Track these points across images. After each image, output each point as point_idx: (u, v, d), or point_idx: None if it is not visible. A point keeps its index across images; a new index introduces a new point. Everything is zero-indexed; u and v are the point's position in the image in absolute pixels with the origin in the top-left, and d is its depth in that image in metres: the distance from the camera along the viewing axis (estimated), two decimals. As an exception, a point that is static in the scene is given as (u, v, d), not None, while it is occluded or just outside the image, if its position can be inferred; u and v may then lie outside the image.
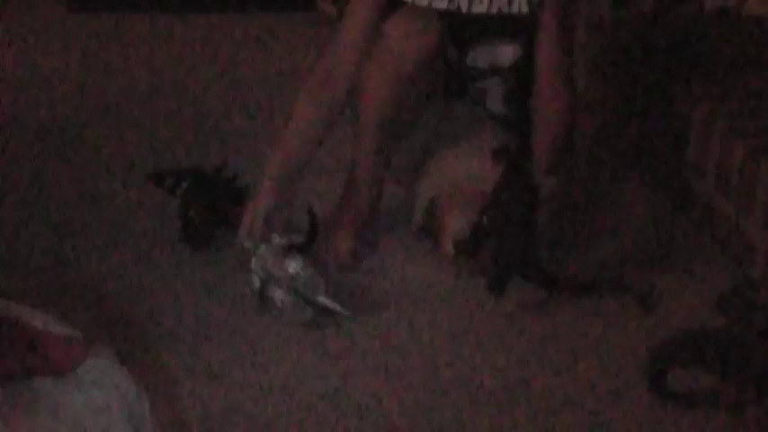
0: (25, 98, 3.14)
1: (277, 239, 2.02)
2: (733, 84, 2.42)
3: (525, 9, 2.15)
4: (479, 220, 2.01)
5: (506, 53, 2.25)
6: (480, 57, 2.26)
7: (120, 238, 2.29)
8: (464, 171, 2.23)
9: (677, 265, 2.15)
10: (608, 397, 1.78)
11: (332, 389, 1.81)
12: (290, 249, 2.01)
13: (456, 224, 2.13)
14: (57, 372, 1.11)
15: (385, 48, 2.14)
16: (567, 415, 1.74)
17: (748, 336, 1.70)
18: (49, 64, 3.40)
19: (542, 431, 1.71)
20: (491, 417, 1.74)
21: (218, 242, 2.26)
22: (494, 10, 2.16)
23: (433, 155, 2.31)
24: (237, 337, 1.96)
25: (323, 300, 1.98)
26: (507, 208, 1.98)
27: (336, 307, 1.98)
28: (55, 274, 2.15)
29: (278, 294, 1.98)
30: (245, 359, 1.90)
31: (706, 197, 2.28)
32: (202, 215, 2.24)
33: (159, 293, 2.11)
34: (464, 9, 2.17)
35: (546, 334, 1.96)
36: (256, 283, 2.00)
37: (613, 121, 2.75)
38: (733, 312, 1.74)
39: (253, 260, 2.01)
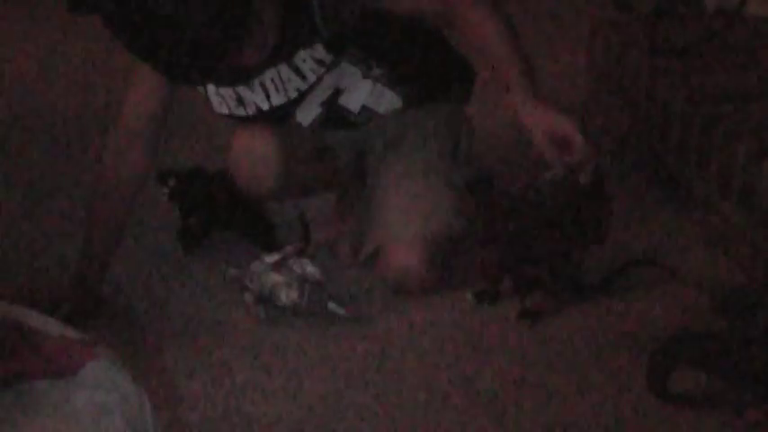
0: (27, 97, 3.14)
1: (267, 258, 2.02)
2: (734, 85, 2.42)
3: (313, 78, 2.07)
4: (485, 261, 2.02)
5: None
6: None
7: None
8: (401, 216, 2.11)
9: (678, 266, 2.15)
10: (608, 398, 1.78)
11: (332, 391, 1.82)
12: (299, 254, 2.03)
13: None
14: (58, 374, 1.11)
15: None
16: (567, 416, 1.74)
17: (749, 337, 1.69)
18: (50, 62, 3.41)
19: (543, 433, 1.72)
20: (492, 418, 1.74)
21: (219, 245, 2.27)
22: (293, 93, 2.09)
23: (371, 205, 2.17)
24: (238, 340, 1.96)
25: (331, 306, 1.99)
26: (508, 238, 1.98)
27: (344, 313, 2.00)
28: (56, 276, 2.15)
29: (285, 294, 1.98)
30: (246, 361, 1.90)
31: (708, 198, 2.28)
32: (201, 223, 2.26)
33: (161, 295, 2.11)
34: (264, 107, 2.11)
35: (546, 334, 1.96)
36: (249, 299, 2.01)
37: (615, 122, 2.75)
38: (734, 313, 1.74)
39: (247, 279, 2.01)
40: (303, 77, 2.06)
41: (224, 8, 1.75)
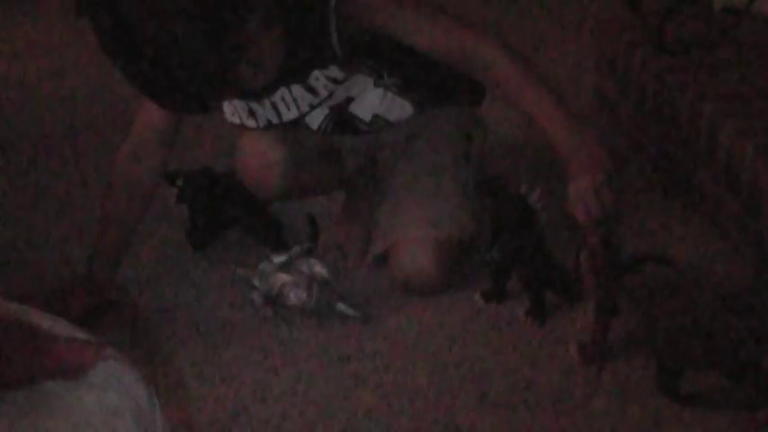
0: (34, 100, 3.15)
1: (275, 258, 2.02)
2: (741, 83, 2.41)
3: (325, 93, 2.07)
4: (490, 259, 2.02)
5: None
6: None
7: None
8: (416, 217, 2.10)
9: (686, 264, 2.14)
10: (617, 397, 1.78)
11: (341, 391, 1.81)
12: (307, 254, 2.03)
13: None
14: (68, 375, 1.11)
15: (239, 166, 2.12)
16: (576, 416, 1.74)
17: (760, 335, 1.69)
18: (56, 65, 3.41)
19: (553, 433, 1.72)
20: (500, 418, 1.74)
21: (227, 245, 2.27)
22: (305, 108, 2.09)
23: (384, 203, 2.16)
24: (247, 340, 1.96)
25: (340, 306, 1.99)
26: (514, 236, 1.97)
27: (352, 313, 1.99)
28: (65, 276, 2.15)
29: (294, 294, 1.98)
30: (255, 362, 1.90)
31: (715, 197, 2.27)
32: (209, 223, 2.26)
33: (169, 296, 2.11)
34: (275, 121, 2.11)
35: (555, 334, 1.95)
36: (258, 299, 2.01)
37: (622, 120, 2.75)
38: (744, 311, 1.73)
39: (255, 279, 2.01)
40: (315, 94, 2.06)
41: (216, 37, 1.72)
